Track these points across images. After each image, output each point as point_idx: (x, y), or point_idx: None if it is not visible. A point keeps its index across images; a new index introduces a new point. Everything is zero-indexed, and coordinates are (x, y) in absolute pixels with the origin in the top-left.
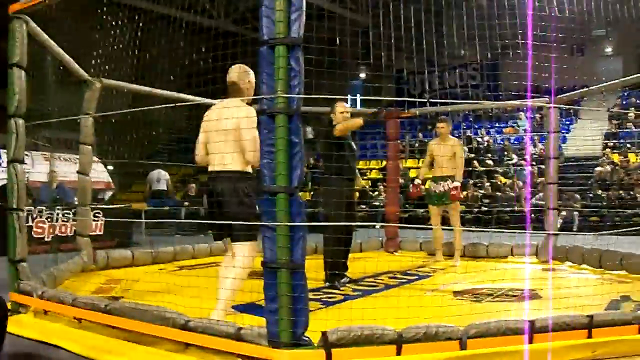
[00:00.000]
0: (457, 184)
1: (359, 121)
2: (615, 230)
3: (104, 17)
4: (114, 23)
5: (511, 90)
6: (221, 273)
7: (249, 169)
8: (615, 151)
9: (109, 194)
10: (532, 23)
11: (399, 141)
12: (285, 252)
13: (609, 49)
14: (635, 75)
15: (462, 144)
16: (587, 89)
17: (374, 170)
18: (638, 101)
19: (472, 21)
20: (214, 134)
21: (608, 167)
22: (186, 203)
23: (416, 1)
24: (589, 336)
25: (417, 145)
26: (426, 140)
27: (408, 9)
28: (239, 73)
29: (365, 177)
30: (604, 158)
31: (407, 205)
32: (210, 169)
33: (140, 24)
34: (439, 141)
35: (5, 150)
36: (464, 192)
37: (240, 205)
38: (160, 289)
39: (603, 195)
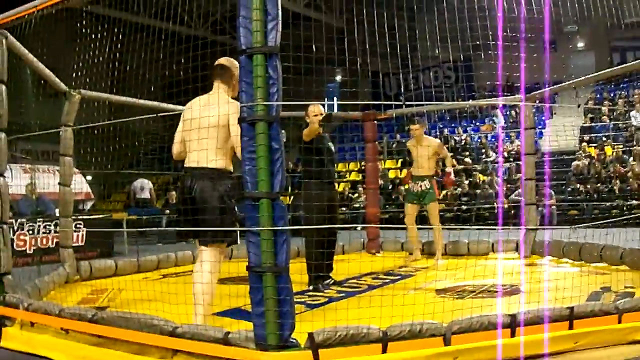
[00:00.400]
0: (450, 169)
1: (315, 126)
2: (594, 223)
3: (82, 29)
4: (92, 35)
5: (486, 88)
6: (194, 279)
7: (231, 168)
8: (591, 145)
9: (89, 204)
10: (504, 21)
11: (376, 142)
12: (270, 256)
13: (581, 44)
14: (606, 70)
15: (441, 141)
16: (560, 85)
17: (353, 172)
18: (611, 95)
19: (444, 21)
20: (196, 128)
21: (585, 161)
22: (167, 211)
23: (388, 3)
24: (570, 327)
25: (394, 146)
26: (404, 141)
27: (381, 11)
28: (229, 60)
29: (344, 180)
30: (580, 152)
31: (387, 206)
32: (188, 164)
33: (118, 35)
34: (415, 142)
35: None
36: (443, 191)
37: (219, 205)
38: (146, 297)
39: (581, 188)
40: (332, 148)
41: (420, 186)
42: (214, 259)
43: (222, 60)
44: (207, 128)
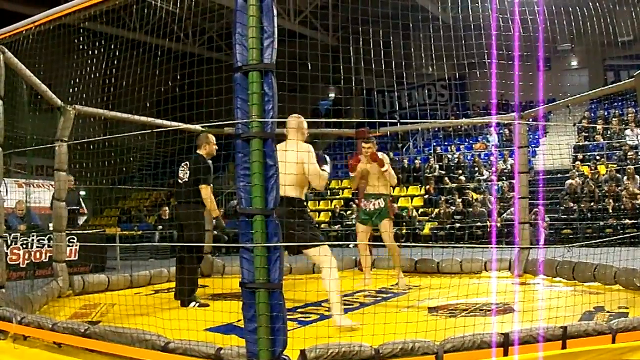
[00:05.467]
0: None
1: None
2: (588, 242)
3: (79, 45)
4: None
5: (479, 106)
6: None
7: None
8: (585, 163)
9: (82, 219)
10: (498, 40)
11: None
12: (263, 272)
13: (574, 63)
14: (600, 88)
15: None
16: (554, 103)
17: (346, 190)
18: (605, 113)
19: (439, 39)
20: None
21: (578, 180)
22: (160, 227)
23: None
24: (564, 347)
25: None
26: (397, 159)
27: (375, 29)
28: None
29: (337, 197)
30: (574, 171)
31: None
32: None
33: (114, 52)
34: (367, 161)
35: None
36: (436, 209)
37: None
38: (138, 312)
39: (574, 207)
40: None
41: (374, 204)
42: (327, 252)
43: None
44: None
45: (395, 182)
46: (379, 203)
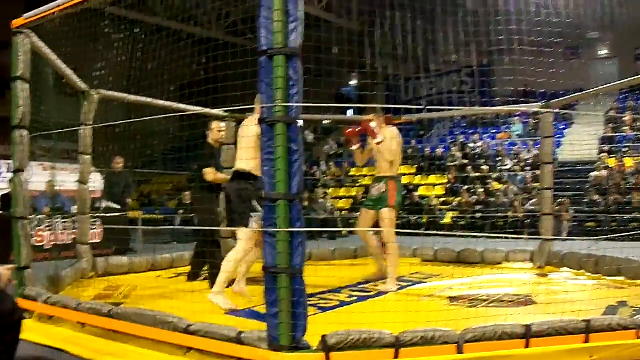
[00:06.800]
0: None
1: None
2: (612, 236)
3: (104, 29)
4: (113, 35)
5: (504, 95)
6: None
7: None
8: (611, 155)
9: (104, 202)
10: (525, 27)
11: None
12: (285, 257)
13: (604, 52)
14: (631, 78)
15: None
16: (581, 92)
17: (366, 177)
18: (636, 103)
19: (465, 26)
20: None
21: (604, 172)
22: (180, 211)
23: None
24: (586, 341)
25: (410, 152)
26: (419, 147)
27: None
28: None
29: (357, 184)
30: (599, 163)
31: (400, 212)
32: None
33: (138, 36)
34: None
35: (5, 161)
36: (458, 199)
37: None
38: (160, 295)
39: (599, 200)
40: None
41: (377, 189)
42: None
43: None
44: None
45: (391, 158)
46: (380, 188)
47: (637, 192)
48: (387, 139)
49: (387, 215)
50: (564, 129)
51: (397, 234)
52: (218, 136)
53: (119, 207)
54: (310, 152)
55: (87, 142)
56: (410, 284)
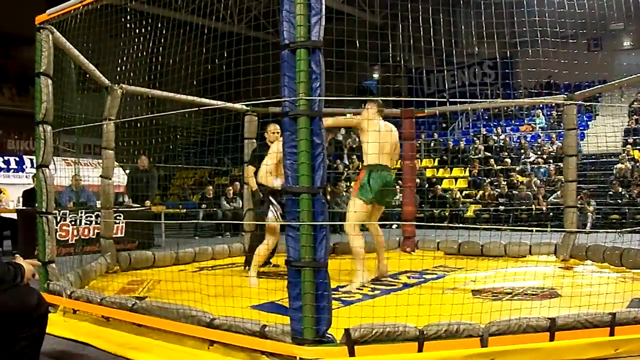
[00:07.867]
0: None
1: None
2: (637, 228)
3: (125, 25)
4: (135, 30)
5: (527, 87)
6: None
7: None
8: (636, 147)
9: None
10: (548, 18)
11: (414, 141)
12: (309, 251)
13: (627, 43)
14: None
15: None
16: (605, 84)
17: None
18: None
19: (487, 17)
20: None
21: (628, 164)
22: (204, 205)
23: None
24: (612, 334)
25: (432, 145)
26: (442, 140)
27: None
28: None
29: None
30: (624, 155)
31: (423, 205)
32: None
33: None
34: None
35: (28, 157)
36: (480, 192)
37: None
38: (183, 289)
39: (624, 192)
40: None
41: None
42: None
43: None
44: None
45: (365, 149)
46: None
47: None
48: (380, 132)
49: (350, 207)
50: (588, 120)
51: (419, 227)
52: (273, 138)
53: (138, 206)
54: (337, 145)
55: (110, 137)
56: (434, 276)
